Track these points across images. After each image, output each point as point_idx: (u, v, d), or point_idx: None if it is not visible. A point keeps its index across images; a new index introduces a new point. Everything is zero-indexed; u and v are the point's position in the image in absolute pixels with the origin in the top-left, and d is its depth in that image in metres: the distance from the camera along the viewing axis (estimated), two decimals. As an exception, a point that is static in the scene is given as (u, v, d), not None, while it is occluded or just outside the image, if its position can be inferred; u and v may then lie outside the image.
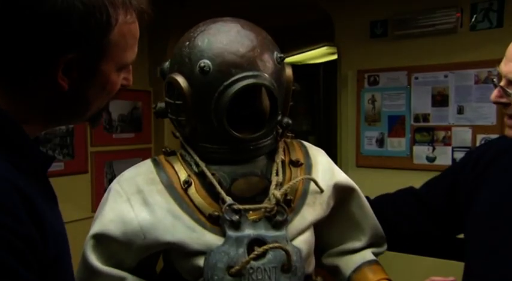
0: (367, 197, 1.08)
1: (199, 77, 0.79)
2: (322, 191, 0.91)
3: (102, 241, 0.84)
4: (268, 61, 0.81)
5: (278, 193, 0.83)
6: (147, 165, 0.90)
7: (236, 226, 0.82)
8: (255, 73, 0.79)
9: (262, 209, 0.85)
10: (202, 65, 0.78)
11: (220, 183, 0.85)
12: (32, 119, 0.61)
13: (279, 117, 0.88)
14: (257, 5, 2.96)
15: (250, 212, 0.85)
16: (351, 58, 2.69)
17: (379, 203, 1.14)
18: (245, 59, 0.79)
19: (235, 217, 0.82)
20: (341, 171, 1.02)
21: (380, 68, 2.59)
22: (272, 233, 0.83)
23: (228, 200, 0.83)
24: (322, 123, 3.88)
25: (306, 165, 0.93)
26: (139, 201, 0.83)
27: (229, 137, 0.82)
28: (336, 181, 0.96)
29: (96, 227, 0.85)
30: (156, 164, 0.90)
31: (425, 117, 2.49)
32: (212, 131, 0.84)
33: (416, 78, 2.50)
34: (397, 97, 2.54)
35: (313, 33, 3.98)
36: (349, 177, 1.02)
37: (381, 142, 2.61)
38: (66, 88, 0.58)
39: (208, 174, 0.85)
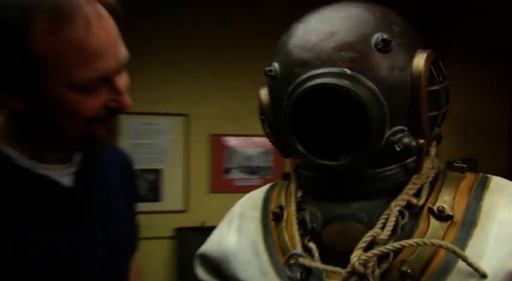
0: None
1: (272, 84, 0.72)
2: (483, 276, 0.59)
3: (204, 259, 0.87)
4: (356, 49, 0.62)
5: (357, 257, 0.61)
6: (264, 188, 0.87)
7: None
8: (327, 70, 0.62)
9: (343, 274, 0.63)
10: (267, 69, 0.70)
11: (306, 223, 0.72)
12: (18, 144, 0.67)
13: (394, 137, 0.65)
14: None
15: (330, 273, 0.66)
16: None
17: None
18: (314, 52, 0.64)
19: (299, 275, 0.67)
20: None
21: None
22: None
23: (299, 248, 0.69)
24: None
25: (464, 221, 0.65)
26: (236, 225, 0.83)
27: (316, 164, 0.69)
28: None
29: (202, 247, 0.88)
30: (271, 188, 0.85)
31: None
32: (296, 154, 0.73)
33: None
34: None
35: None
36: None
37: None
38: (22, 108, 0.62)
39: (292, 208, 0.75)
